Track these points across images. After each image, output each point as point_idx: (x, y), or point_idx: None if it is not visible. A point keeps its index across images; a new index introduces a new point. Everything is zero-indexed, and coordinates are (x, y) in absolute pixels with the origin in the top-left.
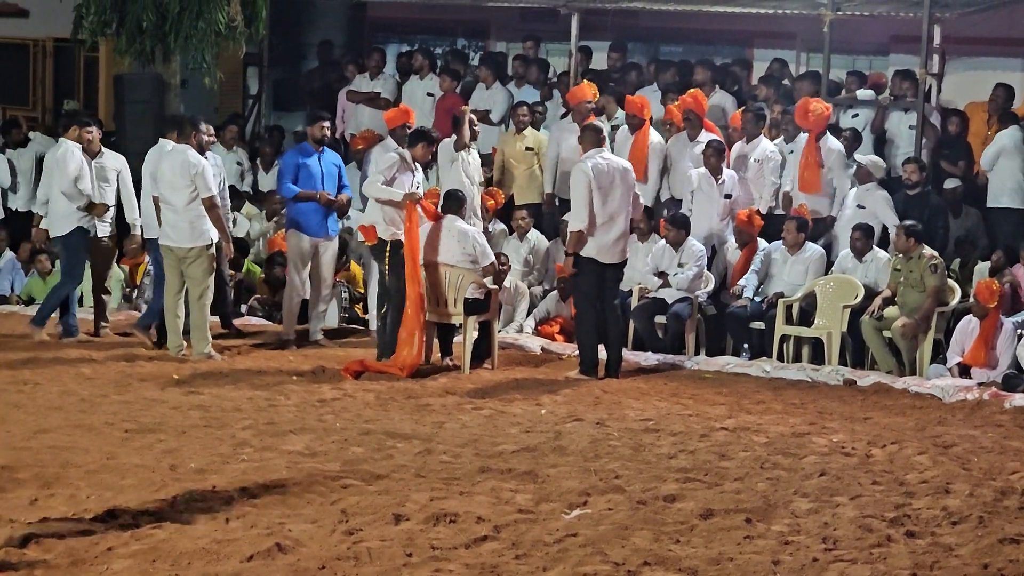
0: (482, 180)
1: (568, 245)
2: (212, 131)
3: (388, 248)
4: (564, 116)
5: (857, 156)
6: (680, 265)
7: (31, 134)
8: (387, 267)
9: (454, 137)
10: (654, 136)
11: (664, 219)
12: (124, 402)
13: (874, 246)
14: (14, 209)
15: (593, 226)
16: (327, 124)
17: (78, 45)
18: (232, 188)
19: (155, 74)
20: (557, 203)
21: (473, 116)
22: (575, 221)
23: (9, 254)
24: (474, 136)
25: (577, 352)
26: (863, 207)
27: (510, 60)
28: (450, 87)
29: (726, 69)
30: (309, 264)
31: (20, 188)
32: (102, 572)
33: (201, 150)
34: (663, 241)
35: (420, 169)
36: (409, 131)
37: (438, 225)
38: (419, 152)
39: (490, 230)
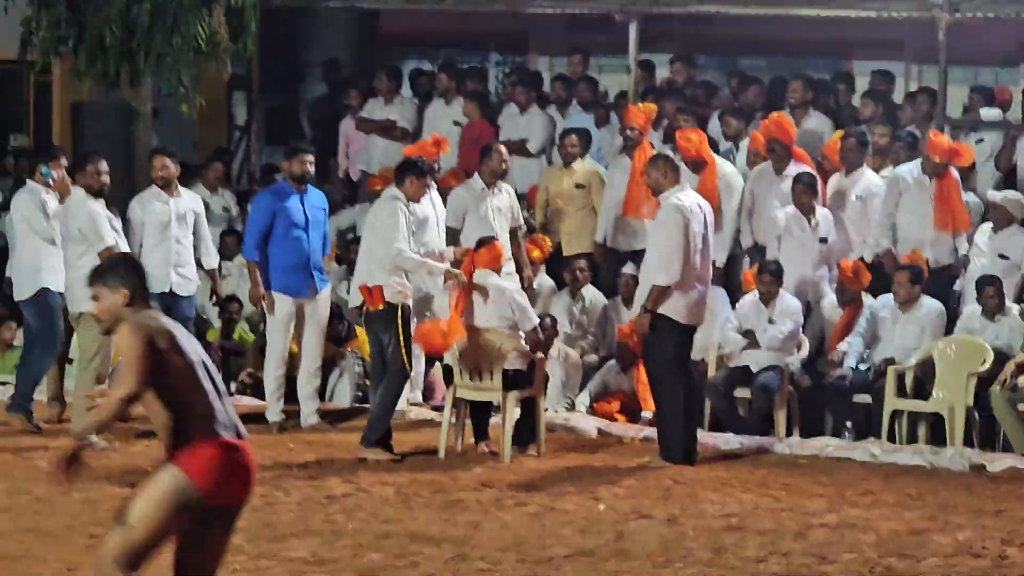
0: (521, 225)
1: (648, 301)
2: (100, 168)
3: (397, 314)
4: (623, 149)
5: (991, 193)
6: (771, 321)
7: None
8: (392, 337)
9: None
10: (726, 167)
11: (753, 269)
12: (88, 501)
13: (1008, 303)
14: None
15: (684, 280)
16: (309, 158)
17: (27, 67)
18: (235, 234)
19: (121, 101)
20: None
21: (503, 148)
22: (663, 273)
23: None
24: (502, 173)
25: (644, 435)
26: (1006, 257)
27: (547, 78)
28: (475, 112)
29: (824, 85)
30: (291, 330)
31: None
32: None
33: (96, 192)
34: (748, 296)
35: (437, 207)
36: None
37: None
38: (409, 188)
39: (535, 286)
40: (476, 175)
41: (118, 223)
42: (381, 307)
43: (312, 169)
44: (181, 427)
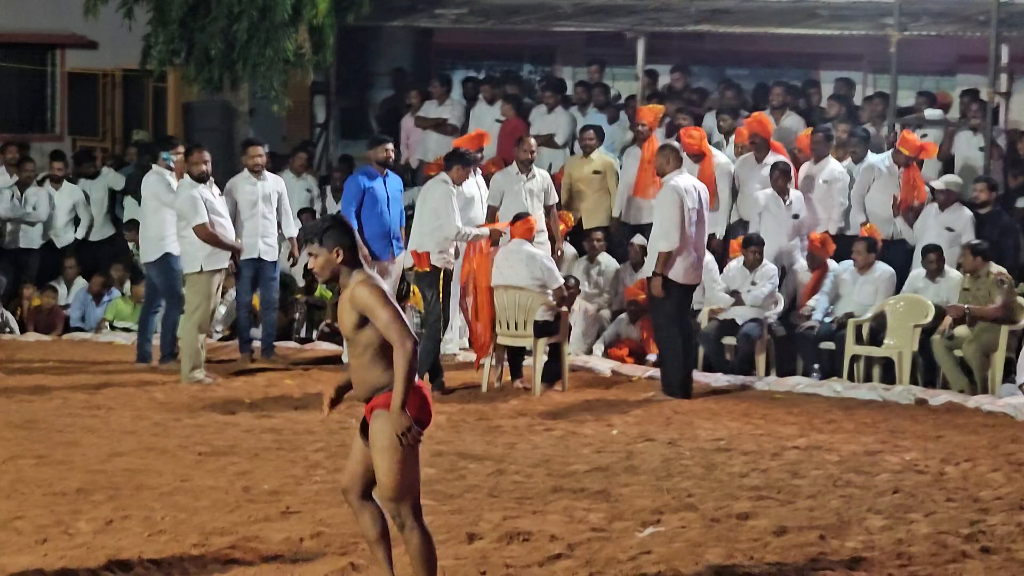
0: (556, 202)
1: (656, 266)
2: (203, 158)
3: (440, 276)
4: (634, 141)
5: (934, 182)
6: (753, 283)
7: (104, 169)
8: (434, 294)
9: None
10: (720, 157)
11: (739, 240)
12: (197, 425)
13: (946, 267)
14: (84, 239)
15: (681, 247)
16: (390, 146)
17: (147, 75)
18: (309, 211)
19: (223, 102)
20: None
21: (532, 140)
22: (664, 241)
23: (81, 283)
24: (529, 159)
25: (649, 374)
26: (952, 229)
27: (571, 84)
28: (511, 111)
29: (796, 90)
30: None
31: (95, 219)
32: None
33: (198, 178)
34: (735, 261)
35: (483, 189)
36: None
37: (506, 249)
38: (456, 174)
39: (559, 253)
40: (514, 163)
41: (220, 203)
42: (427, 269)
43: (392, 155)
44: (389, 375)
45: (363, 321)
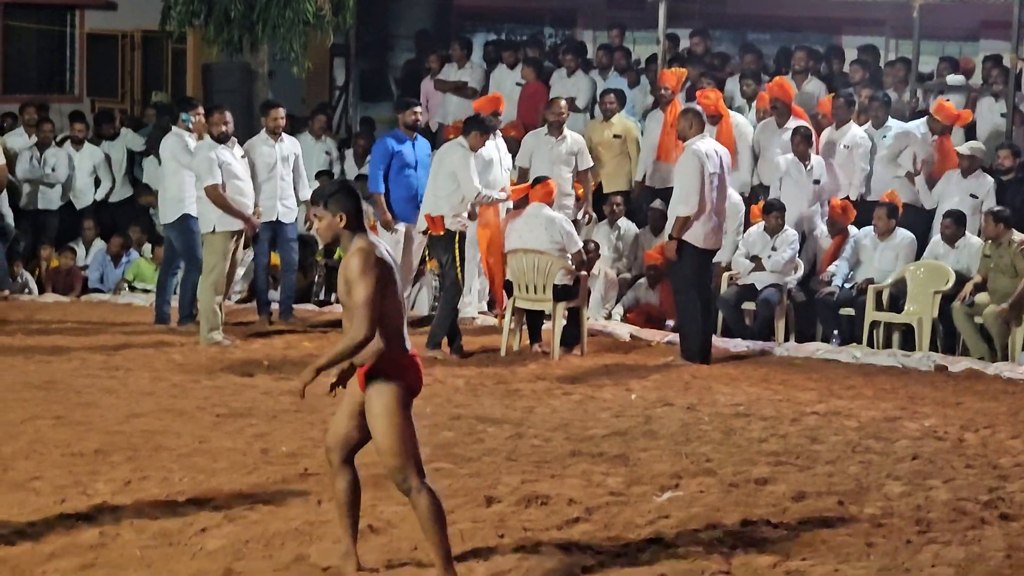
0: (591, 166)
1: (673, 230)
2: (224, 119)
3: (455, 239)
4: (655, 105)
5: (958, 148)
6: (774, 249)
7: (123, 130)
8: (450, 258)
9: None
10: (738, 118)
11: (760, 205)
12: (215, 387)
13: (967, 232)
14: (104, 200)
15: (701, 212)
16: (419, 109)
17: (166, 36)
18: (327, 174)
19: (243, 63)
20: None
21: (562, 102)
22: (683, 206)
23: (99, 244)
24: (557, 122)
25: (668, 339)
26: (975, 196)
27: (592, 48)
28: (532, 75)
29: (820, 55)
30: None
31: (116, 180)
32: (196, 552)
33: (217, 138)
34: (756, 227)
35: (503, 153)
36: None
37: (526, 212)
38: (473, 140)
39: (579, 218)
40: (545, 125)
41: (241, 165)
42: (442, 233)
43: (421, 119)
44: (384, 344)
45: None
